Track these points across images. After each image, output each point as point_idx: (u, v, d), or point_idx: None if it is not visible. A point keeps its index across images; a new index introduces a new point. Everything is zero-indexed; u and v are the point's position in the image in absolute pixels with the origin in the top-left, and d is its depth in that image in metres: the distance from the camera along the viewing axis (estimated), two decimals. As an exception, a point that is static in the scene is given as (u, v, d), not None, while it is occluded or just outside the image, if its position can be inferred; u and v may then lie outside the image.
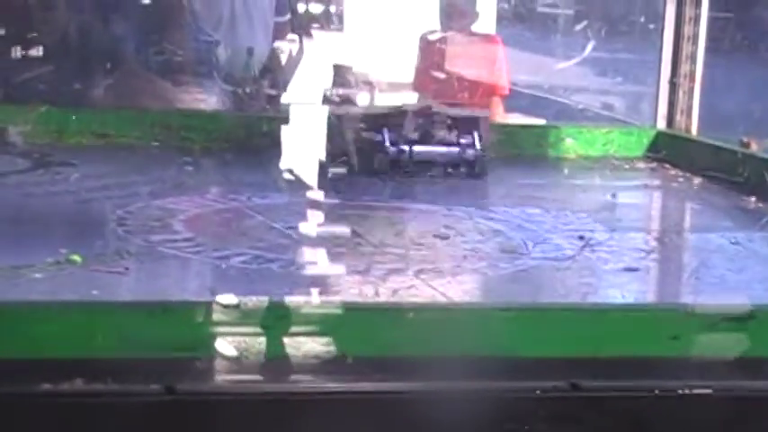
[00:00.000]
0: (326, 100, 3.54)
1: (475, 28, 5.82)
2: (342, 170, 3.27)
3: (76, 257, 2.28)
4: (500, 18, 7.70)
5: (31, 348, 1.71)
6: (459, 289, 2.37)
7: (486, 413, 1.82)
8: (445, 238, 2.65)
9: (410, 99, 5.92)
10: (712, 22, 3.91)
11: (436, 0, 5.81)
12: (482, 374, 1.90)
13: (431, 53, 5.70)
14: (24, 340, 1.72)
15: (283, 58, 5.50)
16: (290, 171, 3.24)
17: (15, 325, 1.75)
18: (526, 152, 3.75)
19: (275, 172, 3.25)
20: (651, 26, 3.91)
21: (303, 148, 3.38)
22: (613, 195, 3.27)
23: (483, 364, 1.91)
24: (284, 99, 5.24)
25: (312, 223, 2.81)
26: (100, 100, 4.55)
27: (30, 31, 4.78)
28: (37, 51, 4.81)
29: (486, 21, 6.24)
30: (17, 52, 4.79)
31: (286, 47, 5.59)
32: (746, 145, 3.67)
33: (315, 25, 6.31)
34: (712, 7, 3.86)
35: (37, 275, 2.17)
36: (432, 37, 5.75)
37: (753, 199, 3.20)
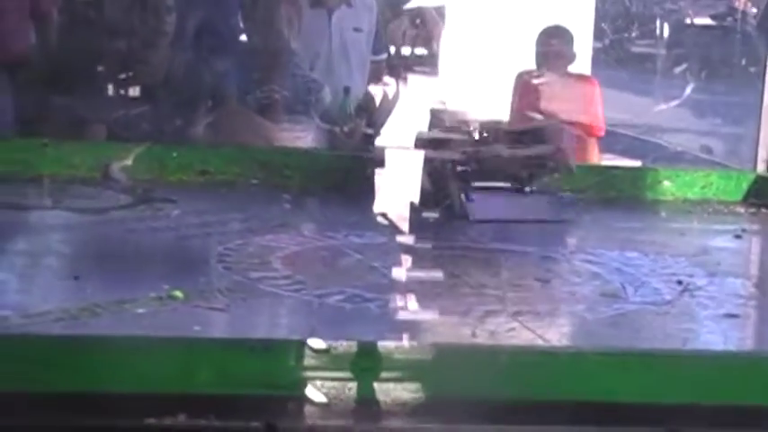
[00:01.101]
0: (421, 143, 3.54)
1: (571, 69, 5.82)
2: (434, 213, 3.27)
3: (178, 293, 2.31)
4: (597, 59, 7.67)
5: (136, 383, 1.74)
6: (557, 332, 2.36)
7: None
8: (546, 281, 2.64)
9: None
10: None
11: (532, 41, 5.82)
12: (581, 419, 1.89)
13: (527, 94, 5.69)
14: (130, 374, 1.75)
15: (379, 99, 5.53)
16: (385, 212, 3.25)
17: (121, 359, 1.79)
18: (623, 194, 3.73)
19: (371, 212, 3.27)
20: (752, 69, 3.86)
21: (397, 189, 3.39)
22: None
23: (581, 409, 1.90)
24: (378, 141, 5.27)
25: (407, 264, 2.82)
26: (201, 137, 4.61)
27: (134, 70, 4.87)
28: (141, 89, 4.90)
29: (582, 62, 6.22)
30: (122, 90, 4.88)
31: (382, 88, 5.63)
32: None
33: (412, 67, 6.34)
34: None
35: (140, 310, 2.20)
36: (528, 78, 5.75)
37: None
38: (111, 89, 4.88)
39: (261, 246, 2.85)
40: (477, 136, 3.48)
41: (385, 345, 1.98)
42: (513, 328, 2.27)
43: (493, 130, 3.49)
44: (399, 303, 2.47)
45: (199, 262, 2.69)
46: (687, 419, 1.90)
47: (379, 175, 3.44)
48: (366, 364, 1.88)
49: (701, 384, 1.95)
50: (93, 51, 4.94)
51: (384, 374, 1.89)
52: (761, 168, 3.85)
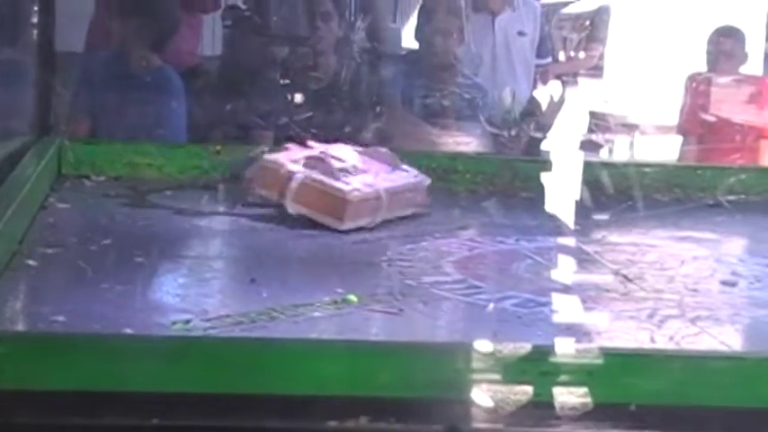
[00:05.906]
0: (585, 145, 3.51)
1: (743, 70, 5.71)
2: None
3: (352, 297, 2.32)
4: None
5: (317, 386, 1.75)
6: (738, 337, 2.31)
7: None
8: (733, 284, 2.57)
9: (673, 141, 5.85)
10: None
11: (702, 42, 5.72)
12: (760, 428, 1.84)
13: (697, 95, 5.61)
14: (309, 378, 1.76)
15: (544, 102, 5.51)
16: (553, 215, 3.22)
17: (299, 363, 1.80)
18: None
19: (540, 215, 3.24)
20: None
21: (563, 192, 3.36)
22: None
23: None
24: (544, 144, 5.25)
25: (579, 267, 2.78)
26: (368, 142, 4.64)
27: (300, 76, 4.93)
28: (307, 95, 4.95)
29: (754, 63, 6.10)
30: (288, 96, 4.95)
31: (547, 91, 5.60)
32: None
33: (577, 70, 6.30)
34: None
35: (316, 314, 2.21)
36: (699, 79, 5.66)
37: None
38: (277, 96, 4.94)
39: (431, 250, 2.85)
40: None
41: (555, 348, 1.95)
42: (692, 334, 2.22)
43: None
44: (571, 307, 2.43)
45: (370, 266, 2.69)
46: None
47: (545, 178, 3.42)
48: (533, 367, 1.85)
49: None
50: (259, 59, 5.01)
51: (551, 379, 1.86)
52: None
